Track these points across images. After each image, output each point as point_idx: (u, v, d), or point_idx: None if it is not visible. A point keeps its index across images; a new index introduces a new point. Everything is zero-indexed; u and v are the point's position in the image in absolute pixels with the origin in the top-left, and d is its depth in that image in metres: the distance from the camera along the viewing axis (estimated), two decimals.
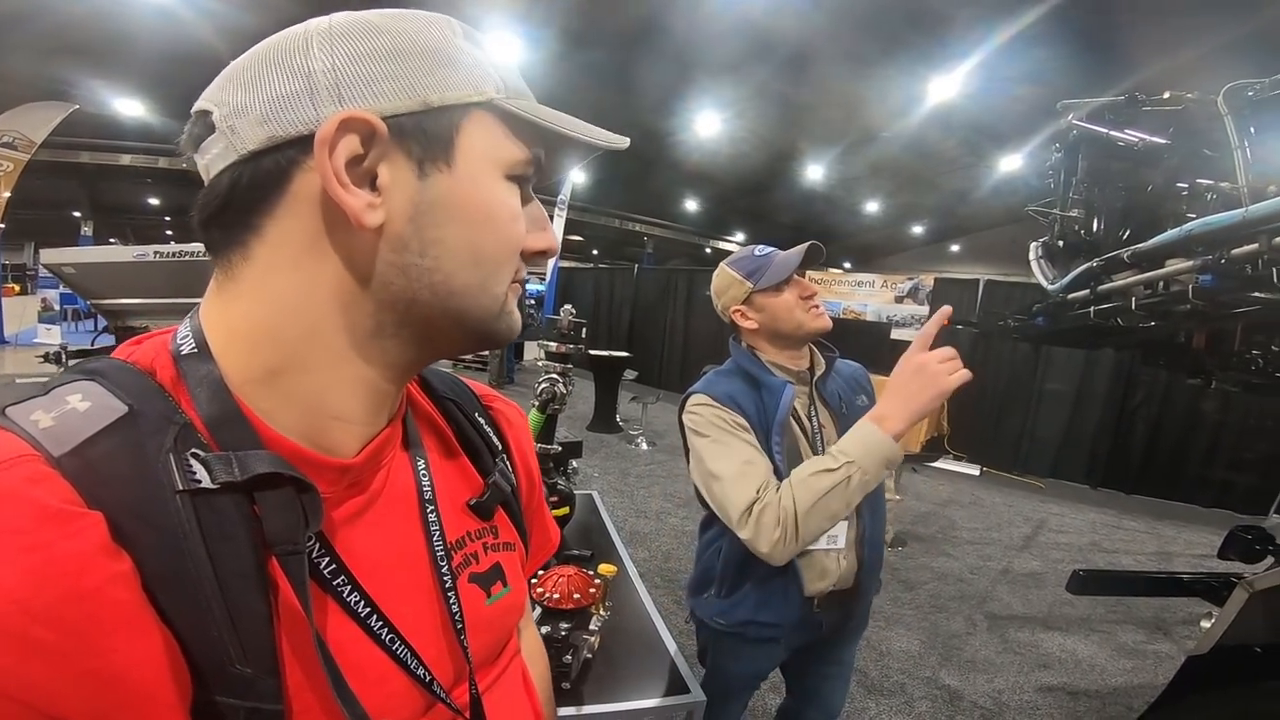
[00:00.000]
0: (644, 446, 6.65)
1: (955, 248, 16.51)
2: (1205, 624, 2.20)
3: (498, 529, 0.57)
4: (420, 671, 0.46)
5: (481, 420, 0.61)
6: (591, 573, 1.62)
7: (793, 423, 1.40)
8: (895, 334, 8.21)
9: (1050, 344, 3.16)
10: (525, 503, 0.64)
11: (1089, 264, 2.21)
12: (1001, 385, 7.17)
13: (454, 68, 0.42)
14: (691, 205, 16.50)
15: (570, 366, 2.10)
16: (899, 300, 8.38)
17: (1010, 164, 8.12)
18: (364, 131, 0.39)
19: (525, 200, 0.47)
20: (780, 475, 1.29)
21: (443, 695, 0.47)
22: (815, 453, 1.39)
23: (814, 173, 11.05)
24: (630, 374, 8.06)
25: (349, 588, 0.43)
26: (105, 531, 0.33)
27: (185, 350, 0.41)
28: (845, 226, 15.11)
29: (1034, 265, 2.69)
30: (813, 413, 1.43)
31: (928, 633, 3.25)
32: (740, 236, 17.55)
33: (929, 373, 1.09)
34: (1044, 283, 2.58)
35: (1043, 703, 2.68)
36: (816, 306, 1.38)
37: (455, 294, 0.43)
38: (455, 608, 0.50)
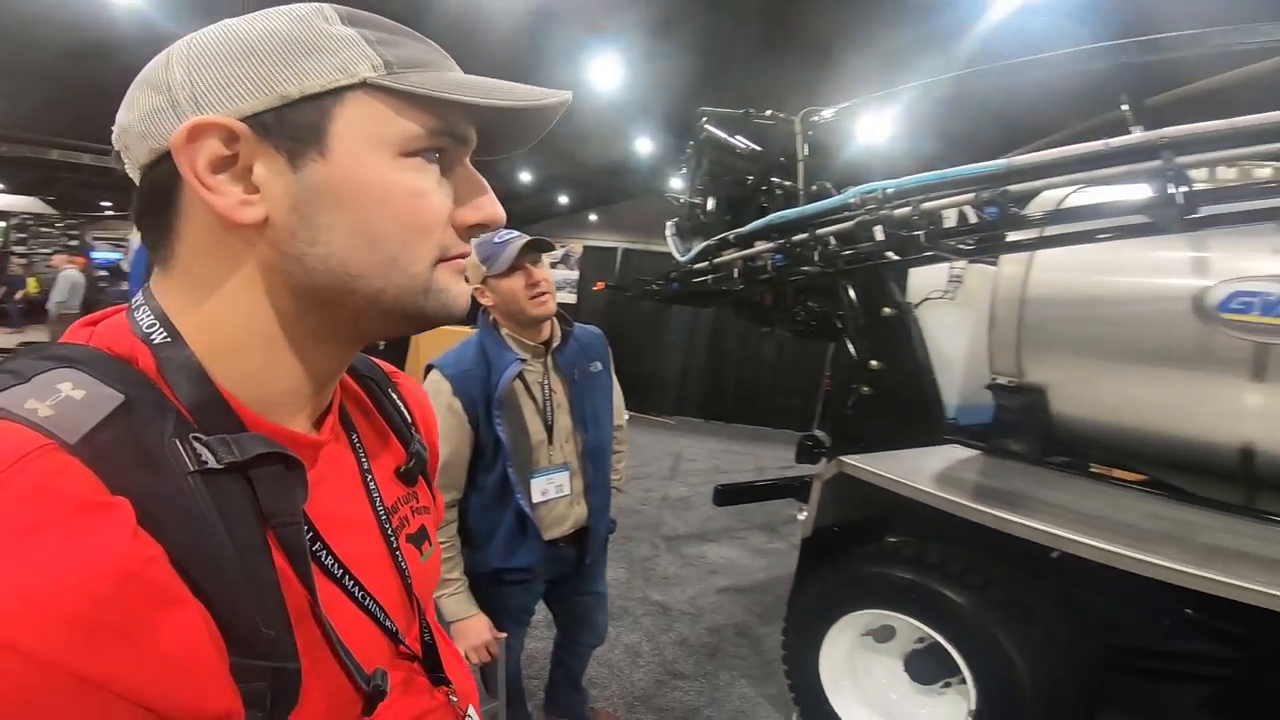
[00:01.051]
0: None
1: (594, 217, 18.33)
2: (800, 516, 2.90)
3: (418, 495, 0.63)
4: (388, 623, 0.51)
5: (394, 395, 0.65)
6: None
7: (518, 394, 1.55)
8: None
9: (682, 304, 3.91)
10: (431, 471, 0.68)
11: (707, 242, 2.84)
12: (636, 340, 8.44)
13: (316, 55, 0.41)
14: None
15: None
16: (553, 265, 9.06)
17: (644, 146, 9.31)
18: (223, 134, 0.40)
19: (452, 172, 0.47)
20: (502, 444, 1.48)
21: (404, 642, 0.53)
22: (545, 421, 1.58)
23: None
24: None
25: (324, 552, 0.47)
26: (133, 517, 0.34)
27: (158, 339, 0.42)
28: (500, 193, 15.42)
29: (669, 240, 3.31)
30: (545, 381, 1.60)
31: (627, 559, 3.80)
32: None
33: (477, 641, 1.53)
34: (676, 255, 3.19)
35: (725, 602, 3.42)
36: (542, 294, 1.52)
37: (357, 277, 0.43)
38: (403, 565, 0.55)
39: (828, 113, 2.58)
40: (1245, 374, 1.91)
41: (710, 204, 2.97)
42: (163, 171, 0.42)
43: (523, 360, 1.56)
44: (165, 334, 0.43)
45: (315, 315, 0.45)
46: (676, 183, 3.68)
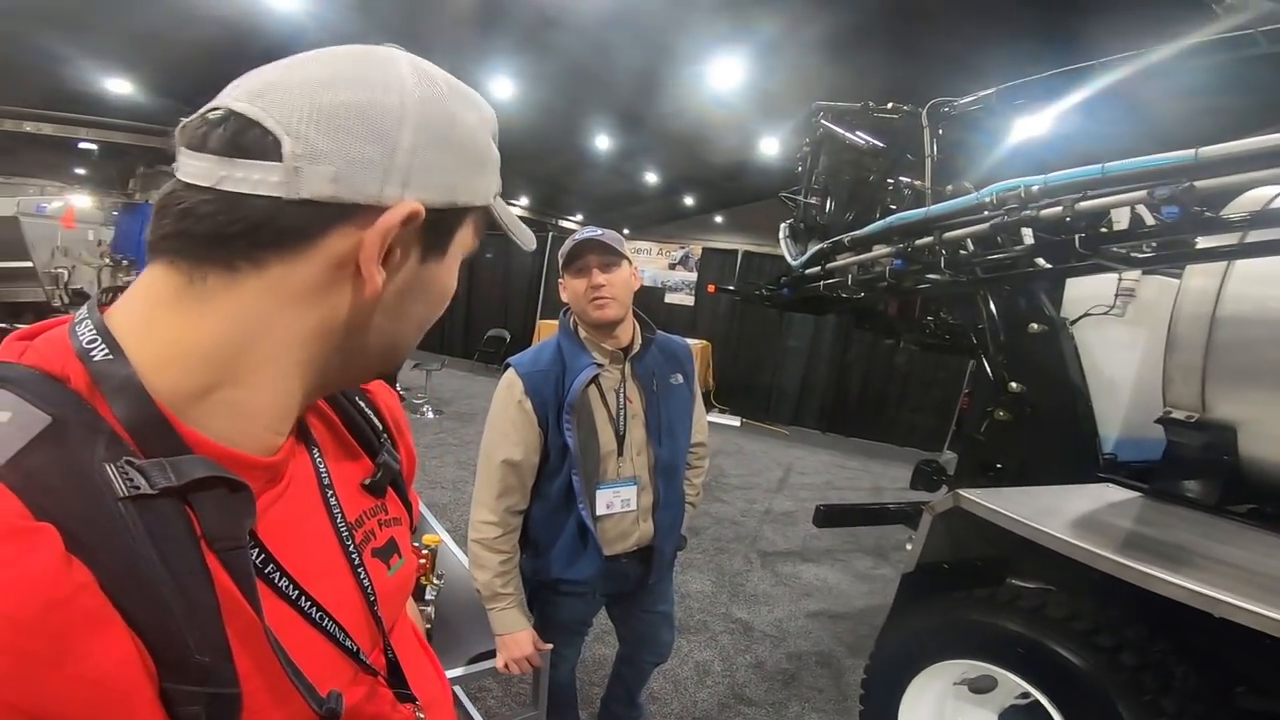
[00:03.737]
0: (430, 415, 6.38)
1: (719, 219, 18.19)
2: (909, 546, 2.75)
3: (388, 506, 0.61)
4: (348, 643, 0.50)
5: (362, 403, 0.63)
6: (417, 544, 1.60)
7: (592, 400, 1.49)
8: (668, 298, 8.88)
9: (793, 310, 3.68)
10: (406, 478, 0.67)
11: (821, 245, 2.64)
12: (755, 344, 8.19)
13: (482, 174, 0.48)
14: None
15: None
16: (672, 267, 9.04)
17: (769, 146, 9.07)
18: (411, 221, 0.43)
19: None
20: (569, 450, 1.43)
21: (367, 662, 0.52)
22: (616, 430, 1.52)
23: (600, 143, 11.26)
24: None
25: (278, 574, 0.46)
26: (61, 543, 0.33)
27: (98, 355, 0.40)
28: (626, 195, 15.73)
29: (782, 243, 3.13)
30: (621, 389, 1.54)
31: (716, 573, 3.69)
32: (525, 200, 17.42)
33: (519, 654, 1.49)
34: (789, 258, 3.01)
35: (813, 627, 3.22)
36: (600, 299, 1.46)
37: (397, 349, 0.51)
38: (366, 582, 0.54)
39: (958, 104, 2.28)
40: None
41: (829, 205, 2.76)
42: (316, 213, 0.40)
43: (599, 365, 1.51)
44: (106, 350, 0.40)
45: (336, 365, 0.48)
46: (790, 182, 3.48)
